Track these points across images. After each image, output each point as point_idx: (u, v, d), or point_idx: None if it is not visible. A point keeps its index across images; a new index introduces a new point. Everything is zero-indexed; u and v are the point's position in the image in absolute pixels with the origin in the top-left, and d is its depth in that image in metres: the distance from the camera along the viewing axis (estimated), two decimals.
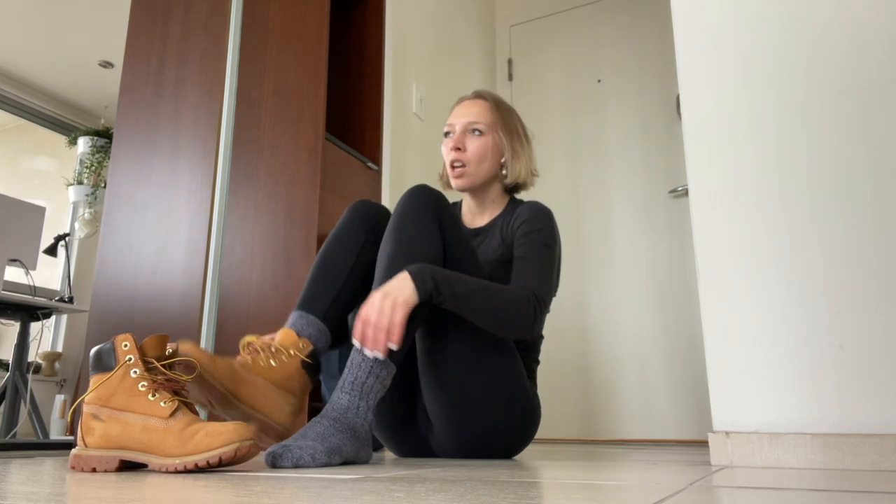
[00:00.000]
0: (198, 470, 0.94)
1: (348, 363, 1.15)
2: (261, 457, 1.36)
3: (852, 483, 0.82)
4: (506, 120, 1.55)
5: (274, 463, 1.00)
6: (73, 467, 1.00)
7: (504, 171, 1.54)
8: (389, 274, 1.22)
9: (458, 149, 1.50)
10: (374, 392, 1.14)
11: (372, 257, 1.38)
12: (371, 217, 1.39)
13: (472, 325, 1.30)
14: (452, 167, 1.51)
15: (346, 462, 1.09)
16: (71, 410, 1.02)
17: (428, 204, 1.29)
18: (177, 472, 0.94)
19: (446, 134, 1.55)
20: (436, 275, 1.18)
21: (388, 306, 1.13)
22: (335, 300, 1.31)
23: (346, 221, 1.38)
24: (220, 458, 0.93)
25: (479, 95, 1.57)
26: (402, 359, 1.28)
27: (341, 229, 1.38)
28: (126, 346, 1.02)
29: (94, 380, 1.02)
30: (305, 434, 1.06)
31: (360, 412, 1.11)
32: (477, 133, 1.51)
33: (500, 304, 1.25)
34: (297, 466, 1.00)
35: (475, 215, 1.57)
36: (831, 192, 1.22)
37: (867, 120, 1.22)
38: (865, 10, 1.26)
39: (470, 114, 1.53)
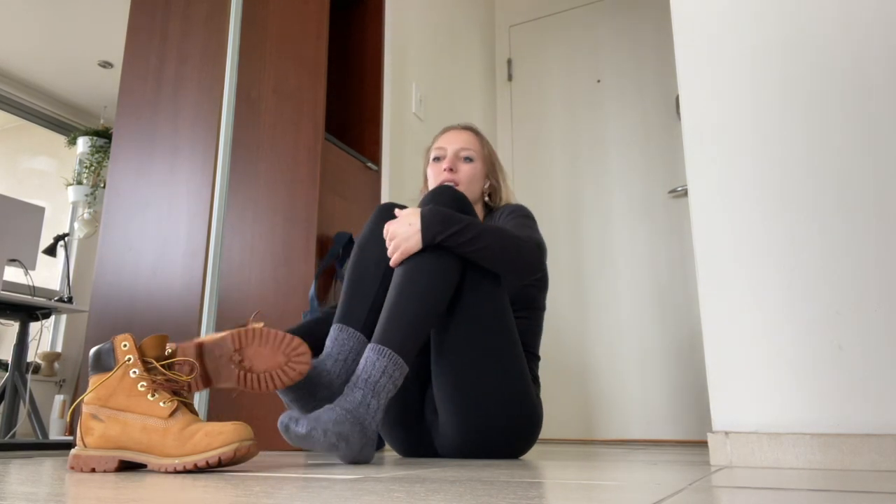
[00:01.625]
0: (197, 470, 0.94)
1: (363, 360, 1.17)
2: (261, 457, 1.36)
3: (851, 483, 0.82)
4: (491, 152, 1.69)
5: (287, 428, 1.03)
6: (72, 467, 1.00)
7: (488, 198, 1.67)
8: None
9: (450, 170, 1.60)
10: (386, 392, 1.15)
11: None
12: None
13: (487, 326, 1.32)
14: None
15: (350, 456, 1.10)
16: (70, 410, 1.03)
17: (450, 203, 1.36)
18: (176, 472, 0.94)
19: (436, 158, 1.65)
20: (444, 225, 1.27)
21: (392, 248, 1.29)
22: (371, 309, 1.34)
23: (373, 226, 1.40)
24: (220, 459, 0.93)
25: (466, 127, 1.70)
26: (415, 359, 1.30)
27: (369, 235, 1.40)
28: (125, 346, 1.02)
29: (94, 380, 1.02)
30: (318, 418, 1.06)
31: (371, 409, 1.13)
32: (468, 160, 1.63)
33: (508, 241, 1.32)
34: (308, 434, 1.02)
35: None
36: (831, 193, 1.22)
37: (868, 120, 1.22)
38: (867, 11, 1.26)
39: (461, 141, 1.65)
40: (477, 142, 1.67)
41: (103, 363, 1.02)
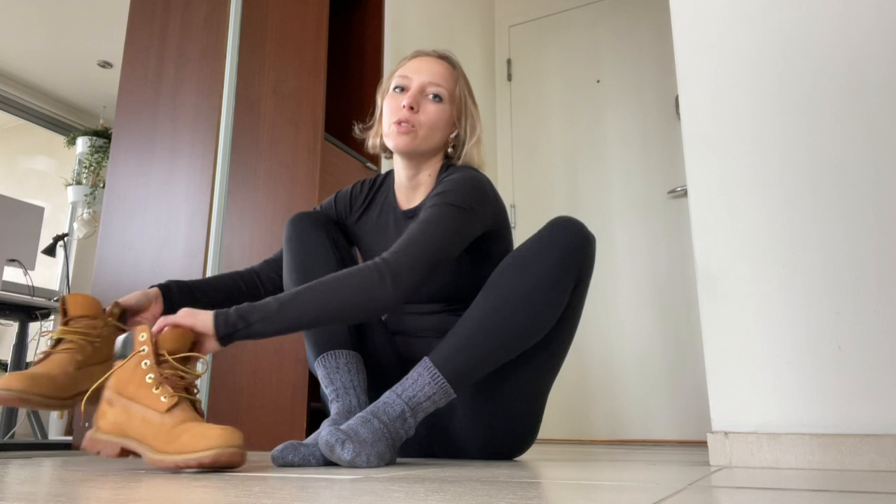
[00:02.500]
0: (178, 471, 0.93)
1: (414, 376, 1.11)
2: (261, 457, 1.36)
3: (851, 483, 0.82)
4: (464, 93, 1.39)
5: (333, 449, 1.00)
6: (84, 448, 1.02)
7: (452, 149, 1.39)
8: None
9: (411, 108, 1.30)
10: (425, 412, 1.12)
11: (345, 254, 1.37)
12: (322, 222, 1.37)
13: (548, 347, 1.26)
14: (399, 124, 1.31)
15: (379, 465, 1.08)
16: (85, 398, 1.05)
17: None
18: (158, 469, 0.94)
19: (398, 88, 1.35)
20: (234, 323, 1.04)
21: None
22: (349, 328, 1.30)
23: (307, 240, 1.32)
24: (200, 463, 0.91)
25: (441, 56, 1.39)
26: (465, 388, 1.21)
27: (310, 251, 1.31)
28: (142, 337, 1.02)
29: (114, 366, 1.04)
30: (358, 432, 1.03)
31: (407, 424, 1.10)
32: (436, 98, 1.33)
33: (328, 296, 1.08)
34: (352, 461, 1.00)
35: (409, 191, 1.40)
36: (830, 193, 1.22)
37: (867, 120, 1.22)
38: (868, 9, 1.26)
39: (432, 73, 1.34)
40: (451, 77, 1.35)
41: (122, 350, 1.04)
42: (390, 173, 1.46)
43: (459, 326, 1.15)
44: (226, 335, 1.03)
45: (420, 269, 1.12)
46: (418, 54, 1.39)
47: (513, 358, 1.20)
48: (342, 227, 1.47)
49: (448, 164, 1.39)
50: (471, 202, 1.22)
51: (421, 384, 1.10)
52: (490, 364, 1.16)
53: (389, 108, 1.34)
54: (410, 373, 1.13)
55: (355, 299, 1.08)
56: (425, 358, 1.13)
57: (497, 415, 1.29)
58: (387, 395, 1.10)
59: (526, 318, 1.16)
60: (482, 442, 1.32)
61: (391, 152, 1.41)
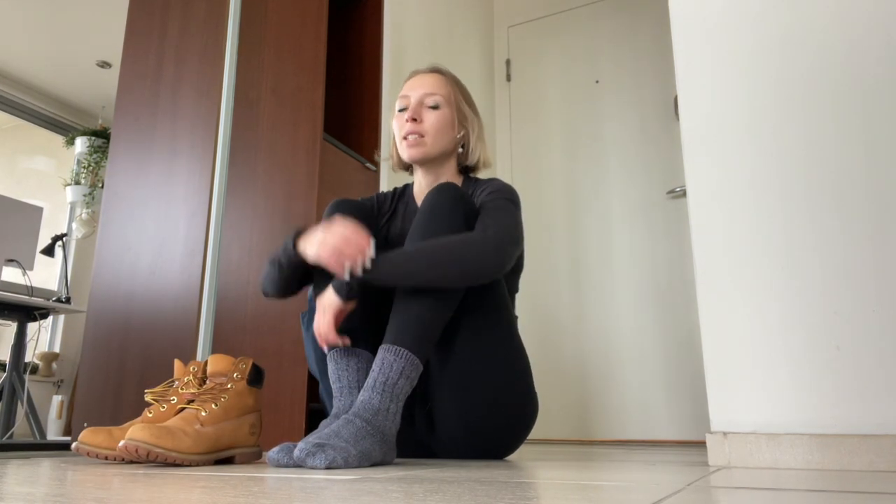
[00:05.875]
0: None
1: (378, 362, 1.14)
2: (265, 457, 1.36)
3: (849, 483, 0.82)
4: (464, 97, 1.51)
5: (305, 460, 0.98)
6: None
7: (461, 150, 1.50)
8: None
9: (414, 120, 1.44)
10: (404, 393, 1.13)
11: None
12: (363, 211, 1.38)
13: (490, 320, 1.30)
14: (406, 138, 1.45)
15: (373, 465, 1.07)
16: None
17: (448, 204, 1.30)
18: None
19: (401, 109, 1.49)
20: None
21: (319, 315, 1.21)
22: (369, 321, 1.29)
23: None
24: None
25: (434, 69, 1.52)
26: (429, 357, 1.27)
27: None
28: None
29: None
30: (339, 433, 1.03)
31: (391, 414, 1.11)
32: (434, 107, 1.46)
33: (450, 253, 1.19)
34: (329, 468, 0.98)
35: None
36: (829, 194, 1.22)
37: (866, 121, 1.22)
38: (865, 11, 1.26)
39: (426, 85, 1.47)
40: (445, 85, 1.48)
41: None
42: (407, 187, 1.58)
43: (395, 307, 1.20)
44: (338, 290, 1.18)
45: (513, 246, 1.24)
46: (413, 74, 1.53)
47: (461, 293, 1.24)
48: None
49: (473, 176, 1.52)
50: (519, 205, 1.37)
51: (388, 365, 1.13)
52: (435, 322, 1.18)
53: (397, 127, 1.49)
54: (373, 364, 1.15)
55: (475, 263, 1.19)
56: (381, 345, 1.17)
57: (485, 411, 1.29)
58: (362, 394, 1.12)
59: (436, 248, 1.20)
60: (474, 442, 1.32)
61: (412, 168, 1.55)
